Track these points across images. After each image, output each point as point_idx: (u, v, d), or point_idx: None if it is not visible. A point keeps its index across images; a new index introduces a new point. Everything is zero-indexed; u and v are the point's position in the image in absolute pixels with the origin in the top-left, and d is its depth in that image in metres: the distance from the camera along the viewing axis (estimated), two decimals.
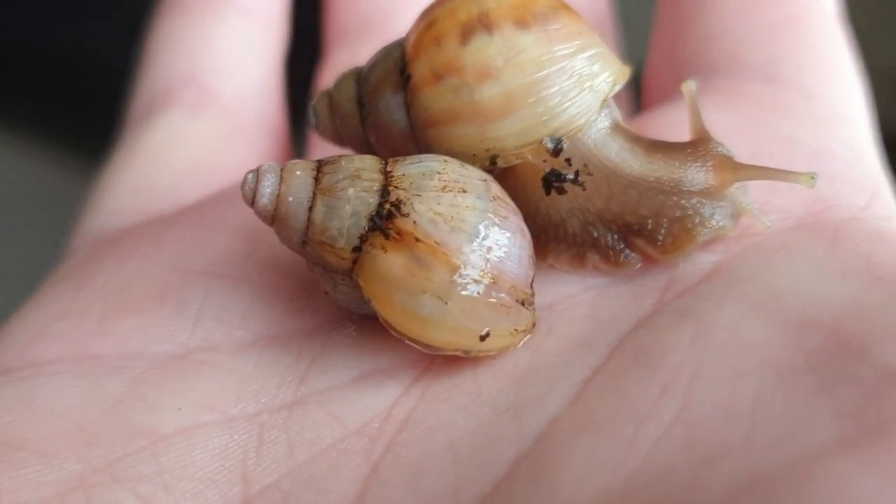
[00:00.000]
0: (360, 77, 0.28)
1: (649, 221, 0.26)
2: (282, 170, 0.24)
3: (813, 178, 0.25)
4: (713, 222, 0.26)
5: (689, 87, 0.28)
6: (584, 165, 0.26)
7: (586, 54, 0.25)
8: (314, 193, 0.24)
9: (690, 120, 0.27)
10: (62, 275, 0.30)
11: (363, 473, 0.22)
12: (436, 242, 0.23)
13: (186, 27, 0.39)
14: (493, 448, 0.21)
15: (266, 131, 0.38)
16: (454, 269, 0.23)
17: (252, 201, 0.24)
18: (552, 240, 0.27)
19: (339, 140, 0.29)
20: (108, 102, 0.42)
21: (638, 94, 0.39)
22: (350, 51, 0.40)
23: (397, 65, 0.26)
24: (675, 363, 0.21)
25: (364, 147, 0.28)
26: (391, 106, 0.27)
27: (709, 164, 0.26)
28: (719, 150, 0.27)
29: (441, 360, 0.25)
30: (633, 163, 0.26)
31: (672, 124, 0.29)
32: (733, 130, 0.29)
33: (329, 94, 0.28)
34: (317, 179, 0.24)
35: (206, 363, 0.25)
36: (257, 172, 0.24)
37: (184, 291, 0.27)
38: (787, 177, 0.26)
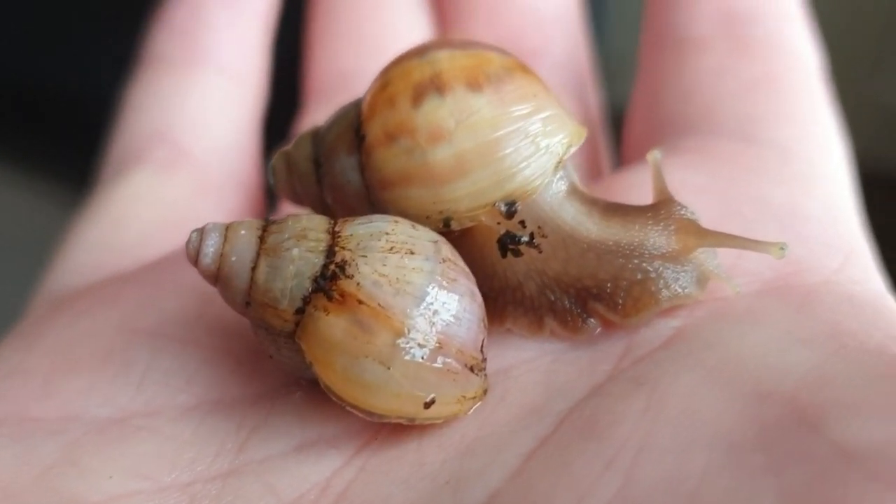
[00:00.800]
0: (317, 137, 0.28)
1: (608, 285, 0.25)
2: (226, 229, 0.24)
3: (783, 248, 0.25)
4: (676, 287, 0.25)
5: (653, 156, 0.27)
6: (539, 228, 0.25)
7: (541, 116, 0.25)
8: (258, 253, 0.23)
9: (653, 183, 0.27)
10: (16, 333, 0.30)
11: None
12: (379, 305, 0.22)
13: (162, 85, 0.39)
14: None
15: (238, 187, 0.38)
16: (398, 332, 0.22)
17: (196, 261, 0.24)
18: (510, 303, 0.26)
19: (298, 199, 0.29)
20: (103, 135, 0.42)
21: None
22: (327, 107, 0.40)
23: (353, 125, 0.26)
24: (623, 435, 0.20)
25: (321, 207, 0.28)
26: (346, 167, 0.26)
27: (671, 227, 0.26)
28: (682, 213, 0.26)
29: (387, 430, 0.24)
30: (591, 226, 0.26)
31: (641, 184, 0.29)
32: (704, 191, 0.28)
33: (287, 153, 0.28)
34: (262, 239, 0.24)
35: (145, 428, 0.25)
36: (201, 231, 0.24)
37: (130, 353, 0.27)
38: (756, 246, 0.25)
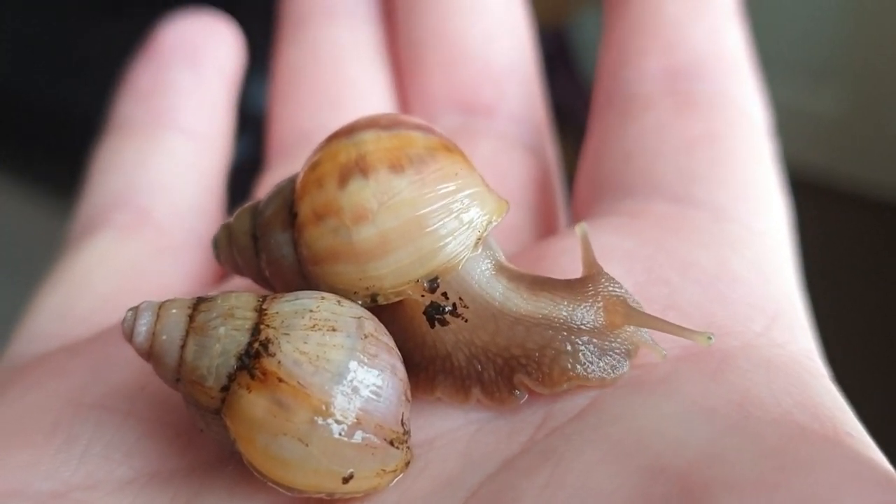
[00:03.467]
0: (255, 211, 0.30)
1: (536, 354, 0.27)
2: (159, 308, 0.26)
3: (710, 338, 0.26)
4: (604, 365, 0.26)
5: (581, 229, 0.29)
6: (460, 299, 0.27)
7: (462, 195, 0.27)
8: (187, 332, 0.25)
9: (582, 256, 0.29)
10: None
11: None
12: (298, 383, 0.24)
13: (126, 150, 0.41)
14: None
15: (198, 248, 0.40)
16: (316, 410, 0.24)
17: (130, 338, 0.26)
18: (440, 372, 0.28)
19: (239, 270, 0.30)
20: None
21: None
22: (288, 166, 0.42)
23: (287, 203, 0.28)
24: None
25: (260, 279, 0.30)
26: (280, 242, 0.28)
27: (599, 304, 0.27)
28: (611, 290, 0.28)
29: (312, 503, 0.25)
30: (519, 301, 0.28)
31: (574, 249, 0.31)
32: (631, 256, 0.30)
33: (229, 226, 0.30)
34: (191, 318, 0.26)
35: (84, 502, 0.26)
36: (136, 310, 0.26)
37: (75, 427, 0.28)
38: (683, 333, 0.26)
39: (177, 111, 0.42)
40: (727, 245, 0.31)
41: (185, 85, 0.43)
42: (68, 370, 0.31)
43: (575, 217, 0.38)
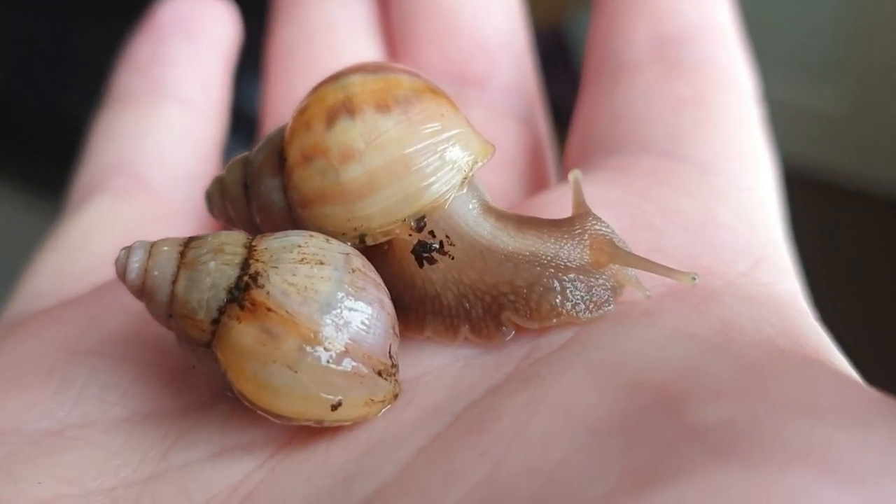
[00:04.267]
0: (246, 162, 0.30)
1: (524, 290, 0.27)
2: (151, 246, 0.27)
3: (694, 278, 0.27)
4: (590, 303, 0.27)
5: (574, 174, 0.30)
6: (447, 237, 0.28)
7: (447, 134, 0.28)
8: (178, 267, 0.26)
9: (573, 198, 0.29)
10: None
11: None
12: (287, 312, 0.24)
13: (124, 119, 0.42)
14: None
15: (193, 215, 0.41)
16: (304, 338, 0.24)
17: (123, 276, 0.27)
18: (429, 312, 0.28)
19: (231, 222, 0.31)
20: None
21: None
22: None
23: (277, 149, 0.29)
24: (502, 428, 0.22)
25: (252, 228, 0.30)
26: (270, 188, 0.29)
27: (585, 242, 0.28)
28: (597, 228, 0.28)
29: (302, 435, 0.26)
30: (507, 239, 0.28)
31: (558, 200, 0.31)
32: (617, 205, 0.31)
33: (221, 179, 0.31)
34: (182, 254, 0.26)
35: (79, 439, 0.27)
36: (129, 249, 0.27)
37: (71, 370, 0.29)
38: (667, 273, 0.27)
39: (174, 83, 0.43)
40: (713, 195, 0.31)
41: (183, 58, 0.44)
42: (64, 320, 0.31)
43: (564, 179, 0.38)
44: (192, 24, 0.45)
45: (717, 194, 0.31)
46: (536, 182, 0.40)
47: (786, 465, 0.17)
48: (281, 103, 0.45)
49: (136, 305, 0.31)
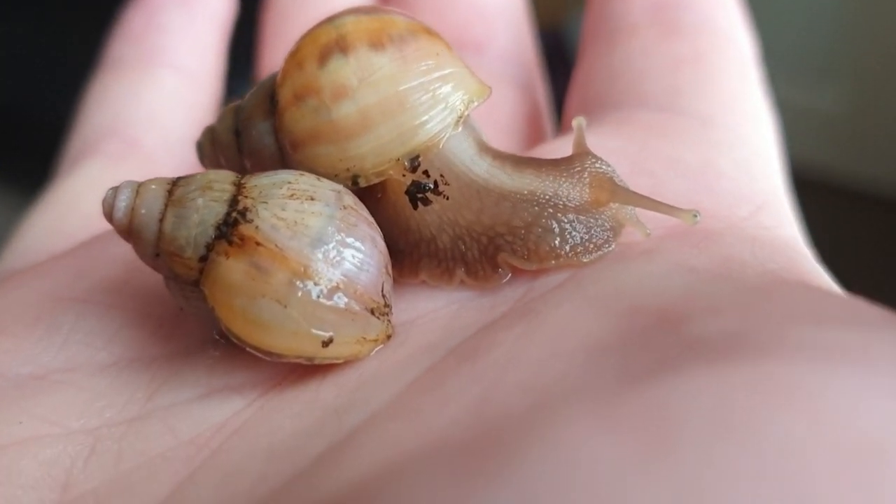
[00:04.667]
0: (238, 109, 0.30)
1: (522, 231, 0.27)
2: (139, 185, 0.26)
3: (696, 216, 0.26)
4: (588, 243, 0.26)
5: (578, 120, 0.29)
6: (441, 176, 0.27)
7: (441, 73, 0.27)
8: (166, 205, 0.25)
9: (574, 139, 0.29)
10: None
11: (180, 478, 0.22)
12: (276, 246, 0.24)
13: (117, 85, 0.42)
14: (307, 445, 0.21)
15: None
16: (294, 272, 0.24)
17: (110, 216, 0.26)
18: (424, 256, 0.28)
19: None
20: None
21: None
22: None
23: (268, 93, 0.29)
24: (497, 354, 0.21)
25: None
26: (262, 131, 0.28)
27: (585, 180, 0.27)
28: (598, 166, 0.28)
29: (293, 376, 0.25)
30: (504, 178, 0.28)
31: (557, 150, 0.31)
32: (616, 153, 0.30)
33: (212, 128, 0.31)
34: (170, 192, 0.26)
35: (63, 382, 0.26)
36: (116, 189, 0.26)
37: (56, 317, 0.28)
38: (668, 210, 0.27)
39: (168, 50, 0.43)
40: (713, 146, 0.31)
41: (177, 26, 0.44)
42: (52, 271, 0.31)
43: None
44: None
45: (717, 146, 0.31)
46: (535, 143, 0.40)
47: (795, 358, 0.16)
48: (275, 67, 0.45)
49: (125, 255, 0.31)
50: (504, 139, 0.39)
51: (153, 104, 0.41)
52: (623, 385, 0.17)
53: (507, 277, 0.27)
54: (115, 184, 0.37)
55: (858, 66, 1.32)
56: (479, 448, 0.17)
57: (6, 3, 1.15)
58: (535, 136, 0.41)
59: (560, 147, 0.32)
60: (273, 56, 0.45)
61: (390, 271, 0.26)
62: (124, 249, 0.31)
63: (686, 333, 0.19)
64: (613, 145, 0.31)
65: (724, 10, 0.38)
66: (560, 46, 1.43)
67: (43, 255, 0.35)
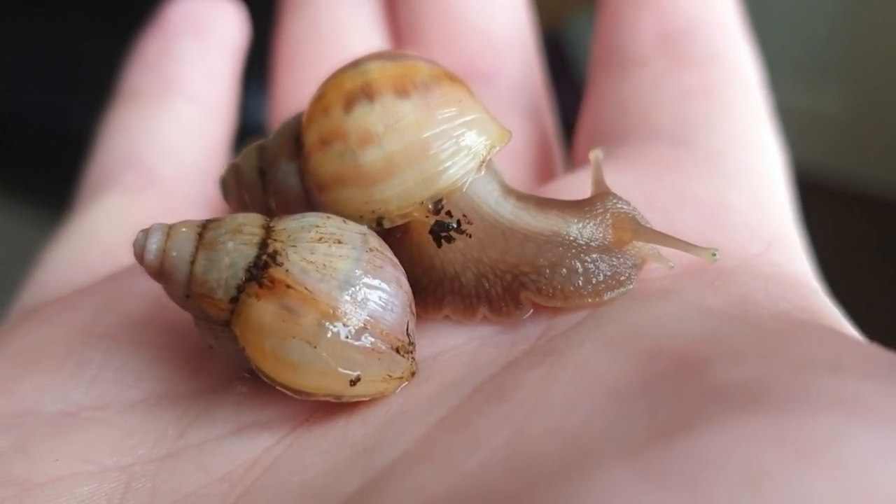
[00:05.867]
0: (262, 148, 0.31)
1: (546, 271, 0.28)
2: (169, 228, 0.27)
3: (715, 254, 0.27)
4: (612, 282, 0.28)
5: (595, 154, 0.30)
6: (464, 216, 0.28)
7: (464, 119, 0.28)
8: (197, 248, 0.27)
9: (592, 177, 0.30)
10: None
11: None
12: (306, 289, 0.25)
13: (134, 115, 0.43)
14: (338, 483, 0.23)
15: (204, 208, 0.42)
16: (323, 314, 0.25)
17: (141, 258, 0.27)
18: (448, 293, 0.29)
19: (246, 208, 0.32)
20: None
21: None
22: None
23: (293, 134, 0.30)
24: (522, 396, 0.22)
25: (267, 214, 0.31)
26: (287, 172, 0.30)
27: (608, 221, 0.29)
28: (619, 206, 0.29)
29: (320, 412, 0.26)
30: (529, 219, 0.29)
31: (573, 186, 0.32)
32: (630, 189, 0.31)
33: (236, 166, 0.32)
34: (200, 235, 0.27)
35: (94, 420, 0.27)
36: (147, 231, 0.27)
37: (86, 354, 0.30)
38: (689, 249, 0.28)
39: (183, 79, 0.44)
40: (724, 181, 0.32)
41: (192, 55, 0.45)
42: (79, 305, 0.32)
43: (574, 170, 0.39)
44: (200, 22, 0.46)
45: (728, 180, 0.32)
46: (545, 175, 0.41)
47: (815, 412, 0.17)
48: (288, 100, 0.46)
49: (151, 291, 0.32)
50: (516, 167, 0.40)
51: (169, 134, 0.42)
52: (655, 436, 0.18)
53: (529, 313, 0.28)
54: (135, 217, 0.39)
55: (857, 69, 1.33)
56: (512, 495, 0.18)
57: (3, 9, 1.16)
58: (545, 163, 0.42)
59: (575, 183, 0.33)
60: (288, 87, 0.46)
61: (414, 310, 0.27)
62: (150, 285, 0.32)
63: (709, 380, 0.20)
64: (627, 181, 0.32)
65: (730, 40, 0.39)
66: (558, 52, 1.44)
67: (65, 286, 0.36)
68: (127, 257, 0.37)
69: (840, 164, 1.36)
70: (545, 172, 0.41)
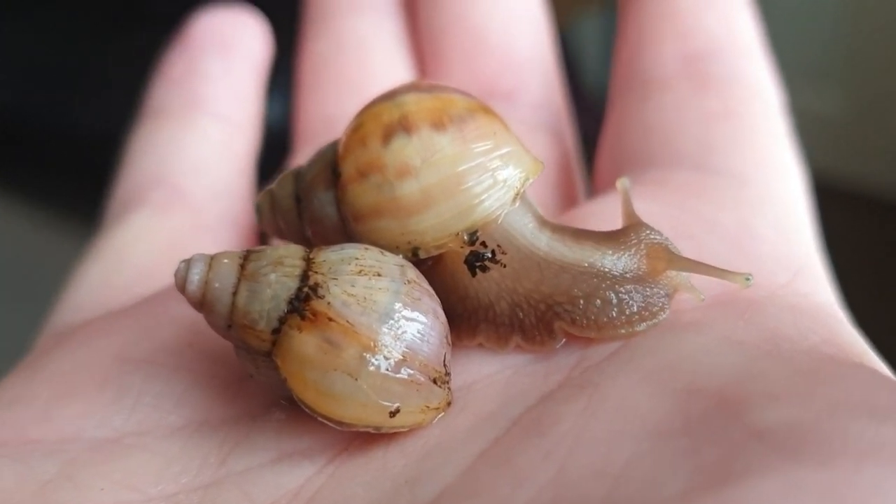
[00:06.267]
0: (298, 175, 0.32)
1: (581, 302, 0.29)
2: (211, 259, 0.28)
3: (749, 279, 0.28)
4: (646, 312, 0.28)
5: (622, 183, 0.31)
6: (498, 246, 0.29)
7: (499, 153, 0.29)
8: (239, 279, 0.27)
9: (623, 208, 0.31)
10: (21, 366, 0.34)
11: None
12: (348, 322, 0.26)
13: (161, 133, 0.44)
14: None
15: (232, 227, 0.42)
16: (364, 346, 0.26)
17: (183, 288, 0.28)
18: (482, 321, 0.30)
19: (281, 234, 0.32)
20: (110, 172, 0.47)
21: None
22: (315, 150, 0.44)
23: (330, 164, 0.30)
24: (563, 431, 0.23)
25: (302, 240, 0.32)
26: (324, 201, 0.30)
27: (642, 252, 0.29)
28: (653, 237, 0.30)
29: (358, 441, 0.27)
30: (564, 250, 0.29)
31: (601, 213, 0.33)
32: (657, 216, 0.32)
33: (271, 192, 0.32)
34: (242, 266, 0.27)
35: (136, 446, 0.28)
36: (189, 262, 0.28)
37: (124, 379, 0.30)
38: (723, 275, 0.28)
39: (209, 97, 0.45)
40: (748, 207, 0.33)
41: (217, 72, 0.45)
42: (114, 330, 0.32)
43: (597, 193, 0.40)
44: (225, 38, 0.47)
45: (752, 206, 0.33)
46: (566, 193, 0.42)
47: (860, 462, 0.18)
48: (312, 116, 0.47)
49: (187, 317, 0.32)
50: (538, 186, 0.41)
51: (196, 153, 0.43)
52: (701, 483, 0.19)
53: (562, 343, 0.28)
54: (164, 236, 0.40)
55: (858, 70, 1.34)
56: None
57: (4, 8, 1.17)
58: (566, 181, 0.43)
59: (602, 209, 0.34)
60: (312, 103, 0.46)
61: (450, 340, 0.28)
62: (184, 310, 0.33)
63: (748, 422, 0.20)
64: (654, 209, 0.33)
65: (751, 63, 0.40)
66: (565, 50, 1.44)
67: (97, 308, 0.36)
68: (157, 279, 0.38)
69: (838, 165, 1.37)
70: (567, 191, 0.42)
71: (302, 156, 0.45)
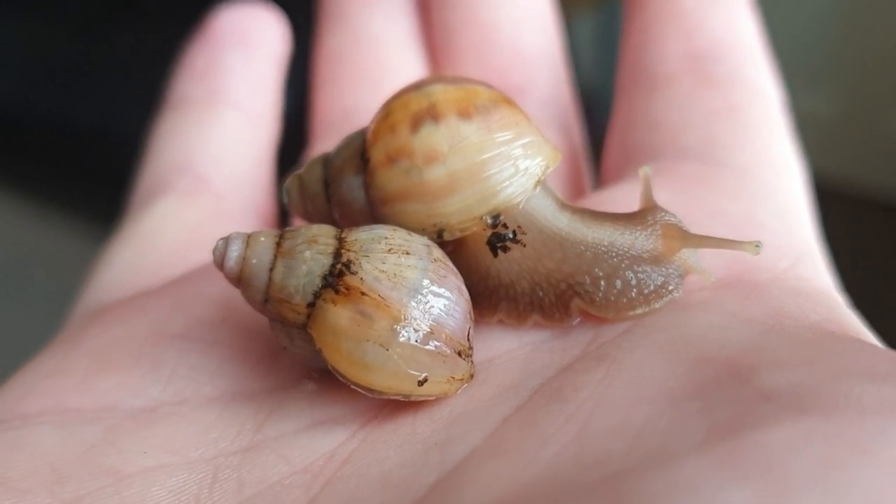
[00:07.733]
0: (326, 161, 0.34)
1: (601, 283, 0.30)
2: (248, 237, 0.30)
3: (758, 246, 0.30)
4: (663, 290, 0.30)
5: (644, 171, 0.33)
6: (519, 227, 0.31)
7: (521, 141, 0.31)
8: (275, 256, 0.29)
9: (641, 192, 0.33)
10: (57, 341, 0.36)
11: (303, 503, 0.26)
12: (379, 296, 0.28)
13: (184, 123, 0.46)
14: (417, 475, 0.25)
15: (254, 214, 0.44)
16: (395, 319, 0.28)
17: (221, 265, 0.30)
18: (503, 299, 0.32)
19: (308, 217, 0.34)
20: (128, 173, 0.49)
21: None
22: (333, 140, 0.46)
23: (358, 150, 0.32)
24: (583, 397, 0.25)
25: (328, 222, 0.34)
26: (352, 186, 0.32)
27: (658, 232, 0.31)
28: (667, 218, 0.32)
29: (388, 409, 0.29)
30: (585, 230, 0.31)
31: (613, 200, 0.35)
32: (667, 205, 0.34)
33: (300, 176, 0.34)
34: (278, 244, 0.29)
35: (174, 414, 0.30)
36: (227, 240, 0.30)
37: (159, 353, 0.32)
38: (734, 245, 0.31)
39: (230, 89, 0.47)
40: (752, 198, 0.35)
41: (238, 65, 0.47)
42: (149, 307, 0.34)
43: (605, 185, 0.42)
44: (245, 33, 0.49)
45: (755, 197, 0.35)
46: (575, 187, 0.44)
47: (864, 414, 0.20)
48: (329, 108, 0.49)
49: (218, 294, 0.34)
50: (549, 180, 0.43)
51: (219, 143, 0.45)
52: (719, 433, 0.21)
53: (577, 320, 0.31)
54: (190, 221, 0.42)
55: (852, 70, 1.36)
56: (587, 487, 0.20)
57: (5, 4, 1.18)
58: (575, 175, 0.45)
59: (612, 197, 0.36)
60: (328, 97, 0.48)
61: (473, 316, 0.30)
62: (216, 289, 0.35)
63: (757, 386, 0.23)
64: (662, 198, 0.35)
65: (753, 62, 0.42)
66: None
67: (128, 289, 0.38)
68: (184, 262, 0.40)
69: (831, 166, 1.39)
70: (576, 184, 0.44)
71: (320, 145, 0.47)
